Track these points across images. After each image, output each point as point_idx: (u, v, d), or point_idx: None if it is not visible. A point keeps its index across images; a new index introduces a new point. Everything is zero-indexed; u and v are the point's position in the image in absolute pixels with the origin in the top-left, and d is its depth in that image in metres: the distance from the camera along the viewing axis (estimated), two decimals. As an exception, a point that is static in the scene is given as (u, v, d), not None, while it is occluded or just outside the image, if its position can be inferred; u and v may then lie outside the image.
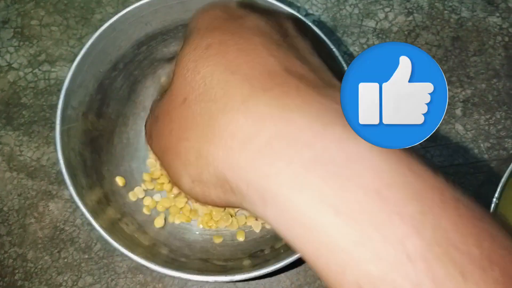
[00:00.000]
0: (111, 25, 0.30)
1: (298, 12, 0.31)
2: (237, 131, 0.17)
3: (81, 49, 0.31)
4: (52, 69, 0.41)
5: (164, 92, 0.22)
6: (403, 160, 0.17)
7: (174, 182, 0.21)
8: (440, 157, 0.39)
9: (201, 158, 0.18)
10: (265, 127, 0.17)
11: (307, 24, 0.30)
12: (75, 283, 0.36)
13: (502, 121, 0.39)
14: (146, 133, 0.23)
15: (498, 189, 0.30)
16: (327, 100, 0.17)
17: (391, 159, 0.16)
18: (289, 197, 0.16)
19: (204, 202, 0.20)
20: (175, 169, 0.20)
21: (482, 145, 0.39)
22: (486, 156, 0.39)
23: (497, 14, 0.42)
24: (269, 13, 0.23)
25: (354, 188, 0.15)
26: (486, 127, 0.39)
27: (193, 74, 0.19)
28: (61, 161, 0.29)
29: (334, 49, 0.30)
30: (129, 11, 0.31)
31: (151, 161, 0.37)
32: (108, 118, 0.35)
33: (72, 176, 0.29)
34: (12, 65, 0.41)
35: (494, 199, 0.30)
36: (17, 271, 0.36)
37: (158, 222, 0.35)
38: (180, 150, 0.19)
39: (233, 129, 0.17)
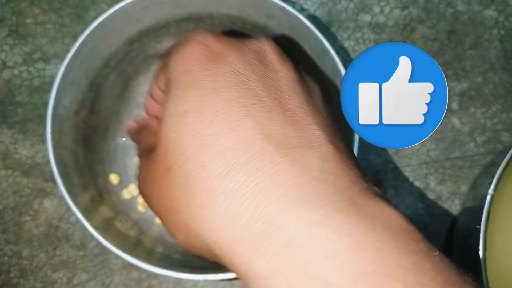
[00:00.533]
0: (101, 22, 0.30)
1: (293, 7, 0.31)
2: (216, 213, 0.18)
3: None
4: (47, 67, 0.41)
5: (148, 150, 0.23)
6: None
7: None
8: (436, 150, 0.39)
9: (190, 231, 0.19)
10: (241, 211, 0.17)
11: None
12: (70, 280, 0.36)
13: (498, 114, 0.39)
14: (137, 187, 0.25)
15: (494, 182, 0.30)
16: (301, 173, 0.17)
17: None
18: (270, 282, 0.16)
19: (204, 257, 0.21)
20: (169, 230, 0.21)
21: (478, 138, 0.39)
22: (482, 149, 0.39)
23: (493, 8, 0.41)
24: (249, 41, 0.22)
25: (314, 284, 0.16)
26: (482, 121, 0.39)
27: (173, 144, 0.19)
28: (52, 160, 0.29)
29: (330, 49, 0.30)
30: (120, 8, 0.31)
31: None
32: (101, 116, 0.35)
33: (64, 175, 0.29)
34: (7, 64, 0.41)
35: (490, 191, 0.30)
36: (12, 268, 0.36)
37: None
38: (170, 218, 0.20)
39: (212, 210, 0.18)
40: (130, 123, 0.29)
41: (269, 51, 0.22)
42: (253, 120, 0.19)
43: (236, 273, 0.18)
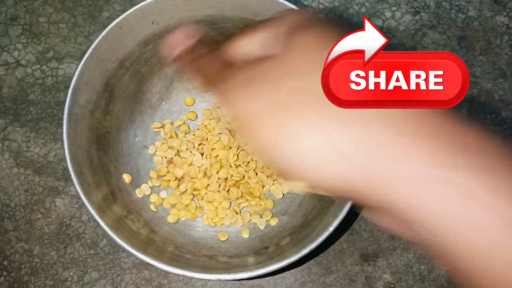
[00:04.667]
0: (118, 23, 0.31)
1: (306, 9, 0.31)
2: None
3: (88, 47, 0.31)
4: (60, 66, 0.41)
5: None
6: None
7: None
8: (445, 156, 0.39)
9: (325, 140, 0.19)
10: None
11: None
12: (81, 278, 0.36)
13: (508, 120, 0.39)
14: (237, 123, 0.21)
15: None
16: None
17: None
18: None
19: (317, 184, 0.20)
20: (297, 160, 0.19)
21: (487, 145, 0.39)
22: (491, 156, 0.39)
23: (504, 14, 0.41)
24: (265, 24, 0.22)
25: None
26: (492, 127, 0.39)
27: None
28: (68, 159, 0.29)
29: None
30: (136, 9, 0.31)
31: (158, 158, 0.37)
32: (115, 116, 0.35)
33: (79, 174, 0.30)
34: (20, 62, 0.41)
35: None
36: (23, 266, 0.36)
37: (172, 218, 0.35)
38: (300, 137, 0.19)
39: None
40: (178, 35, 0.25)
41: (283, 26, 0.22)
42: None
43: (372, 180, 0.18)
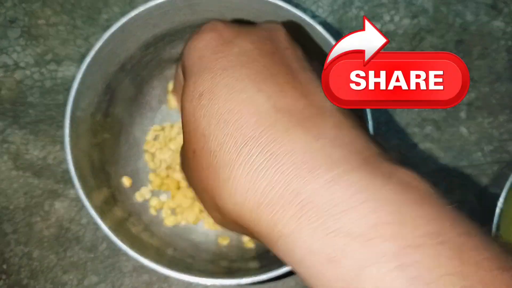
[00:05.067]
0: (120, 26, 0.31)
1: (305, 13, 0.31)
2: (236, 185, 0.18)
3: (89, 49, 0.31)
4: (59, 69, 0.41)
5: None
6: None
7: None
8: (444, 159, 0.39)
9: (219, 208, 0.20)
10: (259, 180, 0.18)
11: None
12: (81, 282, 0.36)
13: (505, 124, 0.40)
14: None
15: (503, 195, 0.30)
16: (314, 140, 0.18)
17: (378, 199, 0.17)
18: (292, 239, 0.17)
19: (236, 232, 0.22)
20: (205, 210, 0.22)
21: (485, 147, 0.39)
22: (489, 158, 0.39)
23: (501, 19, 0.42)
24: (258, 25, 0.23)
25: (341, 235, 0.16)
26: (489, 130, 0.40)
27: (194, 127, 0.20)
28: (70, 162, 0.29)
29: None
30: (138, 13, 0.31)
31: (156, 162, 0.37)
32: (116, 119, 0.35)
33: (80, 177, 0.30)
34: (19, 64, 0.41)
35: (499, 204, 0.30)
36: (22, 269, 0.36)
37: (170, 221, 0.35)
38: (204, 198, 0.21)
39: (233, 184, 0.19)
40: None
41: (279, 32, 0.23)
42: (266, 94, 0.20)
43: (262, 240, 0.19)
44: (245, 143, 0.18)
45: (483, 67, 0.41)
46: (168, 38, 0.35)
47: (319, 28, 0.31)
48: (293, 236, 0.17)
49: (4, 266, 0.36)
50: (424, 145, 0.39)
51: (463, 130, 0.40)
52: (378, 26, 0.42)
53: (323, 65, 0.22)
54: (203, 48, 0.22)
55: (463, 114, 0.40)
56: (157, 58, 0.36)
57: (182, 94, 0.22)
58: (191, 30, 0.35)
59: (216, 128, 0.19)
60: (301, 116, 0.19)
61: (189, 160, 0.21)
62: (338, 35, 0.42)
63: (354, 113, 0.21)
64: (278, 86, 0.20)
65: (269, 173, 0.18)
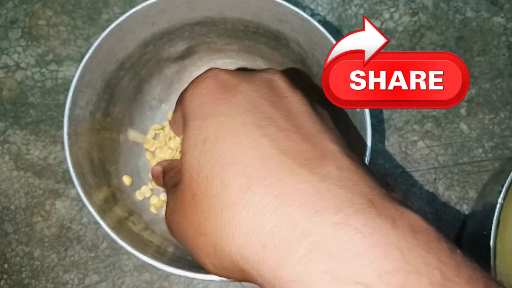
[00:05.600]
0: (118, 24, 0.31)
1: (304, 11, 0.31)
2: (241, 226, 0.18)
3: (88, 48, 0.31)
4: (60, 69, 0.41)
5: (174, 187, 0.24)
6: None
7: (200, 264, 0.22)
8: (444, 156, 0.39)
9: (218, 251, 0.20)
10: (265, 221, 0.18)
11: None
12: (82, 281, 0.36)
13: (506, 120, 0.40)
14: (165, 222, 0.25)
15: (503, 190, 0.30)
16: (319, 181, 0.18)
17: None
18: (301, 283, 0.17)
19: (230, 279, 0.22)
20: (198, 258, 0.22)
21: (486, 144, 0.39)
22: (490, 155, 0.39)
23: (501, 15, 0.42)
24: (259, 73, 0.24)
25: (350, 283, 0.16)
26: (490, 127, 0.40)
27: (197, 171, 0.20)
28: (69, 161, 0.29)
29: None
30: (136, 11, 0.31)
31: (158, 159, 0.37)
32: (115, 118, 0.35)
33: (80, 176, 0.30)
34: (20, 65, 0.41)
35: (500, 200, 0.30)
36: (24, 269, 0.36)
37: None
38: (199, 243, 0.21)
39: (237, 225, 0.18)
40: (155, 168, 0.31)
41: (278, 79, 0.24)
42: (269, 138, 0.20)
43: (265, 285, 0.18)
44: (250, 184, 0.18)
45: (484, 64, 0.41)
46: (167, 36, 0.35)
47: (319, 26, 0.31)
48: (302, 281, 0.17)
49: (5, 266, 0.36)
50: (425, 142, 0.39)
51: (464, 126, 0.40)
52: (378, 23, 0.42)
53: (326, 105, 0.23)
54: (206, 94, 0.23)
55: (463, 111, 0.40)
56: (157, 57, 0.36)
57: (183, 138, 0.22)
58: (190, 28, 0.35)
59: (220, 171, 0.19)
60: (305, 158, 0.19)
61: (185, 205, 0.21)
62: (338, 33, 0.42)
63: (358, 155, 0.21)
64: (281, 130, 0.20)
65: (276, 214, 0.18)
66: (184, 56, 0.37)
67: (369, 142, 0.29)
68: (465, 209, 0.38)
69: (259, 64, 0.38)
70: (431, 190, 0.38)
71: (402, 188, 0.38)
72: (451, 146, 0.39)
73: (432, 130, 0.39)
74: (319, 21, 0.41)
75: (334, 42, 0.31)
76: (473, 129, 0.40)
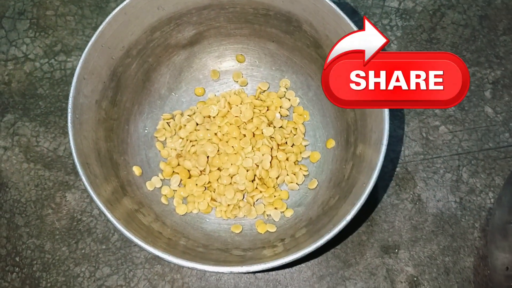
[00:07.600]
0: (122, 9, 0.30)
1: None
2: None
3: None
4: (68, 59, 0.40)
5: None
6: None
7: None
8: (468, 141, 0.37)
9: None
10: None
11: None
12: (93, 274, 0.35)
13: (535, 103, 0.37)
14: None
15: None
16: None
17: None
18: None
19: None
20: None
21: (513, 128, 0.37)
22: (518, 140, 0.37)
23: (529, -10, 0.39)
24: None
25: None
26: (518, 110, 0.37)
27: None
28: (74, 150, 0.28)
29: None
30: (140, -5, 0.30)
31: (166, 151, 0.36)
32: (123, 107, 0.34)
33: (85, 165, 0.29)
34: (28, 56, 0.41)
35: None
36: (35, 262, 0.36)
37: (182, 210, 0.34)
38: None
39: None
40: None
41: None
42: None
43: None
44: None
45: (510, 43, 0.39)
46: (174, 22, 0.34)
47: (332, 5, 0.29)
48: None
49: (17, 259, 0.36)
50: (447, 127, 0.37)
51: (489, 110, 0.37)
52: (396, 4, 0.40)
53: None
54: None
55: (488, 93, 0.38)
56: (164, 43, 0.35)
57: None
58: (197, 12, 0.34)
59: None
60: None
61: None
62: (354, 14, 0.40)
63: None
64: None
65: None
66: (193, 42, 0.36)
67: (386, 127, 0.27)
68: (491, 197, 0.36)
69: (271, 48, 0.36)
70: (454, 177, 0.36)
71: (423, 176, 0.36)
72: (476, 131, 0.37)
73: (455, 114, 0.37)
74: (334, 2, 0.39)
75: (349, 22, 0.29)
76: (498, 113, 0.37)
